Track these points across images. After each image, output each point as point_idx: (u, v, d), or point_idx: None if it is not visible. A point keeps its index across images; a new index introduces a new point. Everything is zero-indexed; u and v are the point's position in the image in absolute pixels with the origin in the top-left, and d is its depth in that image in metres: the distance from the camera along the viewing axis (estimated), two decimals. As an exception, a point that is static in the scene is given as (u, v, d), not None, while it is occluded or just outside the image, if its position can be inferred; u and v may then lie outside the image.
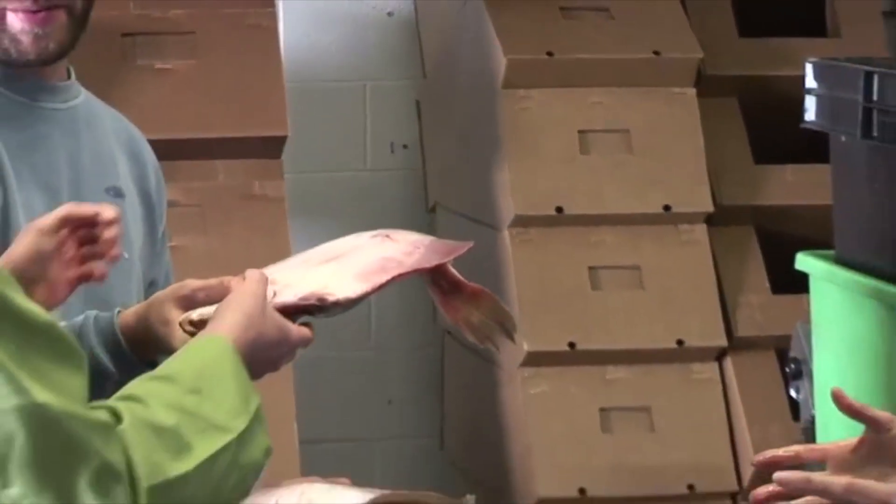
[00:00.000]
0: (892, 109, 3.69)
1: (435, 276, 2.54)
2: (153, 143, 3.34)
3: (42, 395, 2.01)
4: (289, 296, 2.39)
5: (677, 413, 4.62)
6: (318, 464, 4.55)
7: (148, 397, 2.16)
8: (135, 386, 2.20)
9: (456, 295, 2.55)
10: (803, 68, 3.94)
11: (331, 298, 2.36)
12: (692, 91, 4.74)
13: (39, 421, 2.02)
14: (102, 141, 3.03)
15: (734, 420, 4.62)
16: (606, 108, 4.72)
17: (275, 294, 2.37)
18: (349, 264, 2.45)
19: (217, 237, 4.45)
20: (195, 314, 2.38)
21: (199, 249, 4.42)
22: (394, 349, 5.31)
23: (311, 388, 4.94)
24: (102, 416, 2.07)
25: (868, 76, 3.71)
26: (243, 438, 2.19)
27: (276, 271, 2.45)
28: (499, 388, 4.73)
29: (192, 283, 2.60)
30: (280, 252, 4.17)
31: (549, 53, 4.69)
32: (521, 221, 4.64)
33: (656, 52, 4.73)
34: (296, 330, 2.43)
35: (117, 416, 2.08)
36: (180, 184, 4.36)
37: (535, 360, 4.56)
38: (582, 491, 4.50)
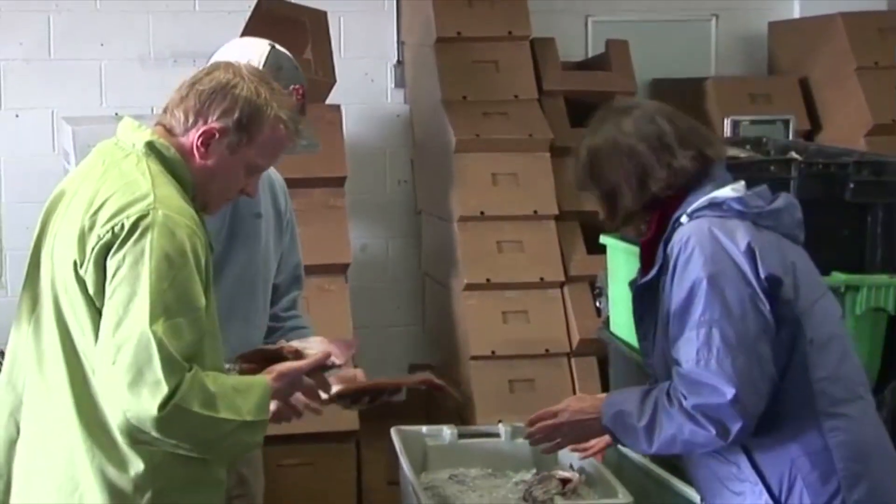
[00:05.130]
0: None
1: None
2: (289, 180, 3.37)
3: (158, 328, 1.99)
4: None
5: (540, 313, 4.57)
6: (362, 338, 4.47)
7: (215, 375, 2.08)
8: (219, 372, 2.14)
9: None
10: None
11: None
12: (547, 154, 4.69)
13: (144, 339, 2.00)
14: None
15: (568, 315, 4.56)
16: (506, 162, 4.68)
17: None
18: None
19: (312, 227, 4.12)
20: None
21: (303, 232, 3.87)
22: (401, 281, 5.25)
23: (363, 305, 4.83)
24: (183, 363, 2.01)
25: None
26: (246, 425, 2.08)
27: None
28: (452, 302, 4.72)
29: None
30: (341, 233, 4.45)
31: (477, 135, 4.68)
32: (463, 219, 4.64)
33: (530, 135, 4.70)
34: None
35: (190, 370, 2.03)
36: (295, 199, 3.93)
37: (470, 287, 4.57)
38: (493, 352, 4.52)
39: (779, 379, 2.27)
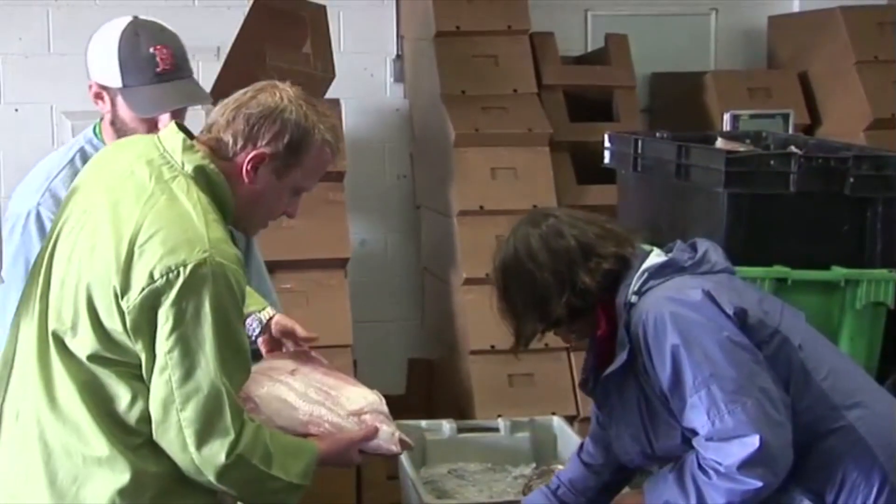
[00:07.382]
0: (647, 157, 3.63)
1: None
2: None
3: (222, 380, 2.05)
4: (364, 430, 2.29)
5: (540, 308, 4.63)
6: (361, 333, 4.61)
7: (272, 433, 2.15)
8: (276, 429, 2.21)
9: None
10: (603, 137, 3.92)
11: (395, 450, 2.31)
12: (546, 149, 4.69)
13: (214, 390, 2.04)
14: None
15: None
16: (505, 157, 4.66)
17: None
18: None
19: (311, 222, 4.24)
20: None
21: (303, 226, 4.16)
22: (401, 276, 5.25)
23: (362, 299, 4.80)
24: (242, 407, 2.09)
25: (636, 140, 3.67)
26: (290, 486, 2.14)
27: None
28: (451, 296, 4.70)
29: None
30: (340, 228, 4.44)
31: (476, 129, 4.67)
32: (462, 213, 4.63)
33: (529, 129, 4.69)
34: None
35: (252, 420, 2.12)
36: (294, 194, 4.40)
37: (469, 282, 4.54)
38: (492, 346, 4.47)
39: (789, 395, 2.29)
